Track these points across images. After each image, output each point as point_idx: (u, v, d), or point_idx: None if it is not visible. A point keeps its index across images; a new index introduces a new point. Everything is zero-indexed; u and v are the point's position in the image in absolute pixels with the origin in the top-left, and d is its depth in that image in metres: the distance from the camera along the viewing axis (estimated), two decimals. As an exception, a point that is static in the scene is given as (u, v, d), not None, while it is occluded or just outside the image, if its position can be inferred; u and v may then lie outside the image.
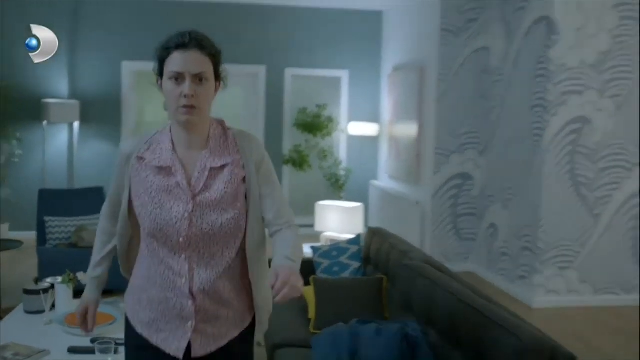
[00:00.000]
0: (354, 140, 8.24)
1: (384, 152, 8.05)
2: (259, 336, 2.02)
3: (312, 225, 5.92)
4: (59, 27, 6.04)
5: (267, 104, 7.99)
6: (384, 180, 8.04)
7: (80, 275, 3.39)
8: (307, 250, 4.39)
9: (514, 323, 2.27)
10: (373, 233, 4.12)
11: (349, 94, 8.19)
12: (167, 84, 1.80)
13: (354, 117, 8.18)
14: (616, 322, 5.12)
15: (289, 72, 7.98)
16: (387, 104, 7.94)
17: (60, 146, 7.59)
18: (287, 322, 3.45)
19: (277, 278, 1.65)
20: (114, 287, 2.57)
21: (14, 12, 7.12)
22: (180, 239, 1.80)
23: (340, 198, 7.50)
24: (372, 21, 8.15)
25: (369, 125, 8.15)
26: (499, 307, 2.49)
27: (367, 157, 8.30)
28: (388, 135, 7.88)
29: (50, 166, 7.47)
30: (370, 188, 8.19)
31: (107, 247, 2.07)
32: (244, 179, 1.88)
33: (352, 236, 4.58)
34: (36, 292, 3.42)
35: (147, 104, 7.92)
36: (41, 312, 3.36)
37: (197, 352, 1.87)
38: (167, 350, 1.86)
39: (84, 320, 2.10)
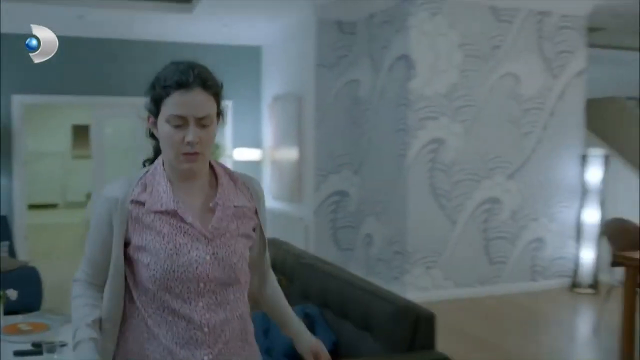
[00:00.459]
0: (239, 164, 8.84)
1: (268, 175, 8.73)
2: None
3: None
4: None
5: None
6: (269, 201, 8.61)
7: (9, 292, 3.74)
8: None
9: (389, 295, 3.02)
10: (269, 243, 4.77)
11: (233, 122, 8.82)
12: (165, 126, 1.59)
13: (238, 143, 8.82)
14: (478, 309, 6.06)
15: (176, 103, 8.50)
16: (268, 131, 8.65)
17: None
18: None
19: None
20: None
21: None
22: (201, 285, 1.62)
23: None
24: (252, 55, 8.87)
25: (253, 151, 8.81)
26: (377, 286, 3.24)
27: (252, 180, 8.93)
28: (271, 159, 8.58)
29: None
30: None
31: (95, 312, 1.70)
32: (255, 225, 1.77)
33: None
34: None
35: (35, 136, 8.14)
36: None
37: None
38: None
39: None
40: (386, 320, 2.87)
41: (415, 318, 2.85)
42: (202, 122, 1.58)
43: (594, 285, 6.72)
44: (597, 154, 6.78)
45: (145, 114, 1.69)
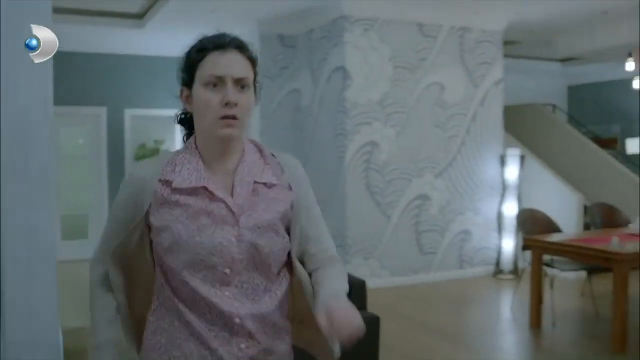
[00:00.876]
0: (189, 170, 9.37)
1: (216, 179, 9.25)
2: None
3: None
4: None
5: (108, 141, 8.89)
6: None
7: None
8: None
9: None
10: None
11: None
12: (202, 91, 1.52)
13: (188, 150, 9.32)
14: (411, 295, 6.74)
15: (128, 113, 8.97)
16: (216, 138, 9.19)
17: None
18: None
19: (330, 318, 1.42)
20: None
21: None
22: (227, 270, 1.51)
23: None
24: (199, 67, 9.40)
25: (202, 157, 9.33)
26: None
27: (201, 184, 9.47)
28: (219, 165, 9.11)
29: None
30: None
31: (115, 302, 1.64)
32: (290, 204, 1.61)
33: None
34: None
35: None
36: None
37: None
38: None
39: None
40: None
41: (350, 283, 3.47)
42: (240, 83, 1.52)
43: (514, 271, 7.52)
44: (514, 153, 7.59)
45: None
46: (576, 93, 11.98)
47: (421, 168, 7.28)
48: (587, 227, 7.31)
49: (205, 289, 1.51)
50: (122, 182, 1.63)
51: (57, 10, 3.92)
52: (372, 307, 3.80)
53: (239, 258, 1.52)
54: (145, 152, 8.88)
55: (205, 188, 1.53)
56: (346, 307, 1.44)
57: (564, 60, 10.43)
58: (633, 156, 10.66)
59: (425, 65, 7.28)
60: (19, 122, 2.83)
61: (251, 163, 1.60)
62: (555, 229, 6.03)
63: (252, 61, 1.57)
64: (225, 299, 1.51)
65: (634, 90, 9.88)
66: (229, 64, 1.52)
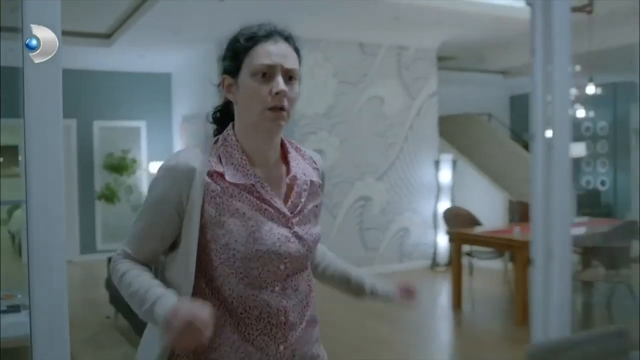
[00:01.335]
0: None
1: (180, 185, 9.96)
2: None
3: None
4: None
5: (79, 151, 9.54)
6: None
7: None
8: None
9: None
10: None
11: (148, 139, 10.02)
12: (251, 81, 1.47)
13: (153, 157, 9.99)
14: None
15: (97, 124, 9.64)
16: (179, 146, 9.91)
17: None
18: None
19: (401, 289, 1.76)
20: None
21: None
22: (282, 267, 1.50)
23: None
24: (163, 80, 10.12)
25: (166, 164, 10.03)
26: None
27: (166, 190, 10.16)
28: (182, 171, 9.82)
29: None
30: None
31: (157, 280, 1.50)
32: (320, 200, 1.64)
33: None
34: None
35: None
36: None
37: None
38: None
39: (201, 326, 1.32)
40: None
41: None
42: (289, 74, 1.48)
43: (448, 264, 8.37)
44: (447, 158, 8.47)
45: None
46: (518, 102, 12.94)
47: (363, 172, 8.11)
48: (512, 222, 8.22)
49: (255, 286, 1.48)
50: (159, 174, 1.50)
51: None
52: (318, 294, 4.56)
53: (295, 255, 1.51)
54: (113, 161, 9.54)
55: (253, 185, 1.49)
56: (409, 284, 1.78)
57: (504, 72, 11.35)
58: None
59: (366, 80, 8.13)
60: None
61: (298, 161, 1.60)
62: (476, 223, 6.91)
63: (299, 53, 1.54)
64: (275, 295, 1.50)
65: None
66: (281, 53, 1.48)
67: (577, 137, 11.50)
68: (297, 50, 1.53)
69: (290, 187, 1.55)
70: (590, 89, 6.88)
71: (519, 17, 6.53)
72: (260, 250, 1.46)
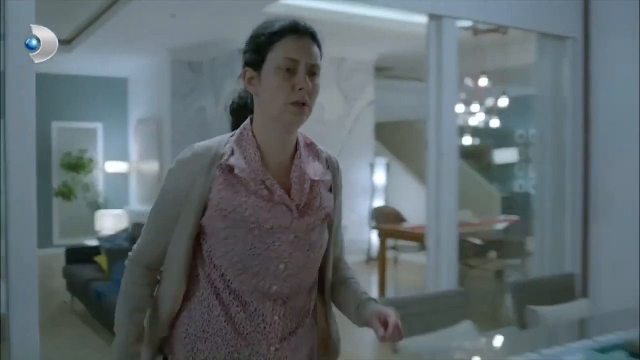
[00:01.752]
0: (110, 175, 10.57)
1: (134, 183, 10.56)
2: None
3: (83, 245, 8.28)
4: None
5: (37, 150, 9.98)
6: (135, 205, 10.55)
7: None
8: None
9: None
10: (136, 225, 6.70)
11: (104, 140, 10.56)
12: (274, 75, 1.46)
13: (108, 157, 10.54)
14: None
15: (55, 125, 10.14)
16: (134, 147, 10.51)
17: None
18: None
19: (385, 322, 1.48)
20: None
21: None
22: (281, 266, 1.49)
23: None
24: (120, 85, 10.67)
25: (121, 164, 10.55)
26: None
27: (121, 188, 10.69)
28: (136, 171, 10.43)
29: None
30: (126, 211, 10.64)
31: (143, 313, 1.59)
32: (333, 203, 1.62)
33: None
34: None
35: None
36: None
37: None
38: None
39: None
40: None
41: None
42: (312, 70, 1.48)
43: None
44: (381, 162, 9.27)
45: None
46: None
47: (304, 173, 8.80)
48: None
49: (251, 285, 1.48)
50: (173, 168, 1.57)
51: None
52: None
53: (295, 255, 1.50)
54: (70, 160, 10.05)
55: (262, 182, 1.49)
56: (394, 314, 1.49)
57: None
58: (499, 165, 12.59)
59: (308, 89, 8.82)
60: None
61: (306, 158, 1.57)
62: (402, 220, 7.71)
63: (321, 49, 1.53)
64: (271, 294, 1.49)
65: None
66: (306, 49, 1.48)
67: (510, 144, 12.48)
68: (319, 46, 1.52)
69: (298, 187, 1.53)
70: (503, 101, 7.72)
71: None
72: (260, 247, 1.47)
